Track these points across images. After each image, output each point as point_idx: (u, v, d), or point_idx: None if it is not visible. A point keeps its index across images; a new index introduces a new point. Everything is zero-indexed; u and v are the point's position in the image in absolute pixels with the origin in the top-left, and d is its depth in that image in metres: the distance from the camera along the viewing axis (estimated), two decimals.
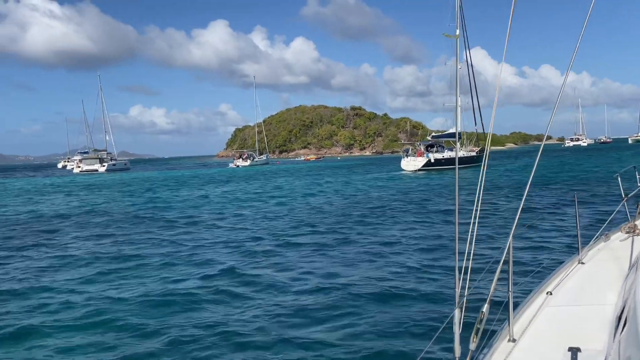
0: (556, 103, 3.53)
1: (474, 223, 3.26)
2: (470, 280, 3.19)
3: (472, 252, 3.15)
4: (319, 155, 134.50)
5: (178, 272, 11.44)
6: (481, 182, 3.39)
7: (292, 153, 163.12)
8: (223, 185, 43.45)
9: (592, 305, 3.89)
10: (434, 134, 53.57)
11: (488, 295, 3.13)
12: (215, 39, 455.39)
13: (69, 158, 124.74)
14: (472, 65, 52.61)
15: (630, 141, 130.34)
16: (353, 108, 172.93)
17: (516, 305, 3.80)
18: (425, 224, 17.15)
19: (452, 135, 52.53)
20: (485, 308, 3.04)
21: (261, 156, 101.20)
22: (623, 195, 6.50)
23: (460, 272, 3.11)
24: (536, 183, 29.11)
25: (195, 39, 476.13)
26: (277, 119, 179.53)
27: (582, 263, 4.95)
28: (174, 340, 7.25)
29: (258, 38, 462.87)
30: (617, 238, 5.81)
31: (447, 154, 51.04)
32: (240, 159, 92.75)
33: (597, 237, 5.73)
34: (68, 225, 20.51)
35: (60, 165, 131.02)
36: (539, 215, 17.40)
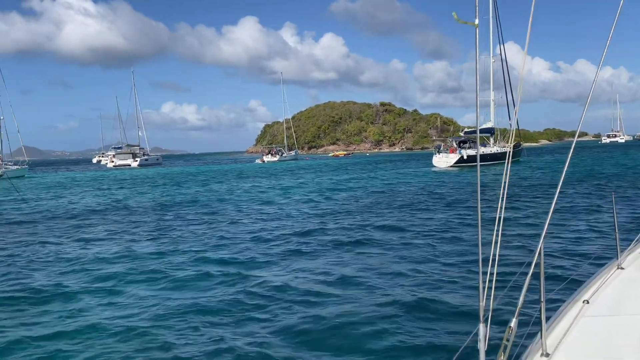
0: (588, 98, 3.20)
1: (499, 222, 3.00)
2: (495, 289, 2.94)
3: (497, 258, 2.91)
4: (348, 152, 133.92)
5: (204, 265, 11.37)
6: (505, 183, 3.14)
7: (321, 149, 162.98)
8: (251, 180, 43.58)
9: (633, 315, 3.59)
10: (466, 129, 52.49)
11: (517, 306, 2.89)
12: (245, 36, 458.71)
13: (103, 153, 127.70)
14: (506, 59, 51.18)
15: None
16: (382, 104, 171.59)
17: (549, 317, 3.50)
18: (453, 225, 16.36)
19: (486, 130, 51.36)
20: (514, 322, 2.80)
21: (290, 152, 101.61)
22: None
23: (484, 281, 2.85)
24: (570, 181, 28.14)
25: (225, 35, 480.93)
26: (306, 115, 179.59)
27: (622, 268, 4.57)
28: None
29: (287, 34, 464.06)
30: None
31: (480, 150, 49.83)
32: (269, 155, 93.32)
33: (637, 240, 5.34)
34: (96, 219, 20.79)
35: (95, 160, 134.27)
36: (573, 215, 16.60)
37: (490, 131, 51.59)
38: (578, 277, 7.25)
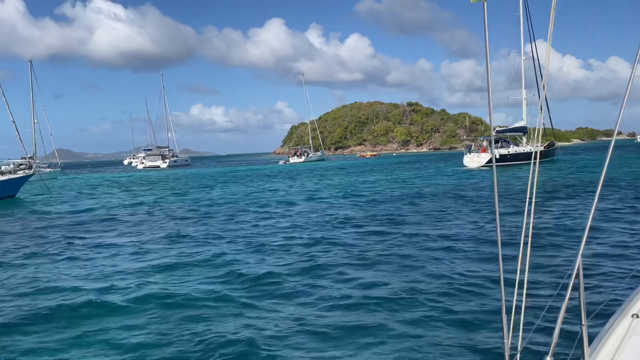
0: (625, 96, 2.74)
1: (525, 243, 2.66)
2: (525, 323, 2.55)
3: (525, 285, 2.54)
4: (375, 152, 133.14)
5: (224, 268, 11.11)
6: (532, 194, 2.92)
7: (348, 150, 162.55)
8: (279, 181, 43.45)
9: None
10: (498, 128, 51.40)
11: (551, 341, 2.43)
12: (271, 38, 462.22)
13: (134, 155, 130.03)
14: (537, 56, 49.82)
15: None
16: (410, 104, 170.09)
17: (592, 337, 3.03)
18: (483, 233, 15.24)
19: (519, 129, 50.12)
20: (551, 353, 2.39)
21: (316, 152, 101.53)
22: None
23: (510, 313, 2.45)
24: (609, 183, 26.76)
25: (252, 38, 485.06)
26: (333, 115, 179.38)
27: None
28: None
29: (313, 35, 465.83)
30: None
31: (512, 150, 48.78)
32: (295, 156, 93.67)
33: None
34: (120, 217, 20.84)
35: (126, 162, 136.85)
36: (612, 222, 14.97)
37: (523, 130, 50.34)
38: (622, 292, 6.45)
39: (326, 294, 8.87)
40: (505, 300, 2.36)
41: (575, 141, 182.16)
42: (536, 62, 49.60)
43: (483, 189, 27.75)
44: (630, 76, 2.54)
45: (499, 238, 2.45)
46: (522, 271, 2.64)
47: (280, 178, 47.89)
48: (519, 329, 2.55)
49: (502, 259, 2.69)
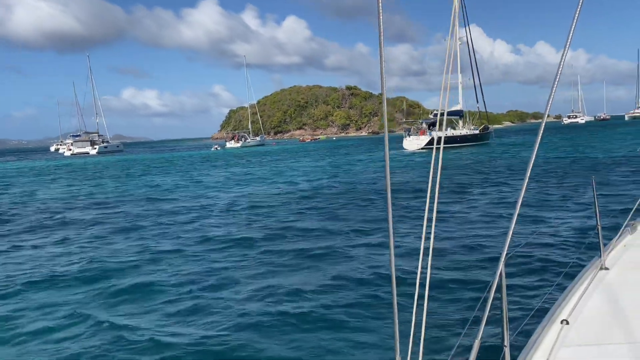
0: (555, 80, 2.25)
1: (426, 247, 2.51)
2: (426, 334, 2.26)
3: (427, 287, 2.33)
4: (315, 136, 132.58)
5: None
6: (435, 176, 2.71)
7: (288, 134, 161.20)
8: (208, 169, 41.75)
9: (621, 344, 2.69)
10: (436, 112, 51.77)
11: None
12: (205, 18, 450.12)
13: (61, 141, 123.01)
14: (472, 41, 50.43)
15: (626, 118, 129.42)
16: (348, 87, 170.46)
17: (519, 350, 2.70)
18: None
19: (455, 113, 50.82)
20: None
21: (256, 137, 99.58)
22: None
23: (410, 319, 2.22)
24: (537, 165, 26.97)
25: (184, 18, 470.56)
26: (272, 99, 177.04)
27: (606, 269, 3.77)
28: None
29: (249, 17, 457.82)
30: None
31: (450, 132, 49.37)
32: (232, 141, 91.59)
33: (621, 232, 4.46)
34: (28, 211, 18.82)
35: (52, 149, 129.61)
36: (543, 208, 13.94)
37: (459, 113, 51.09)
38: (555, 291, 5.91)
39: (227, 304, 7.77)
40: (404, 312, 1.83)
41: (507, 124, 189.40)
42: (470, 47, 50.22)
43: (419, 172, 27.44)
44: (561, 61, 2.09)
45: (391, 235, 1.92)
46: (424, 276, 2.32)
47: (207, 166, 46.15)
48: (420, 345, 2.18)
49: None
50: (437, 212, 2.72)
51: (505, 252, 2.15)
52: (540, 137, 2.04)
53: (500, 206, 15.21)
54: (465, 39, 51.97)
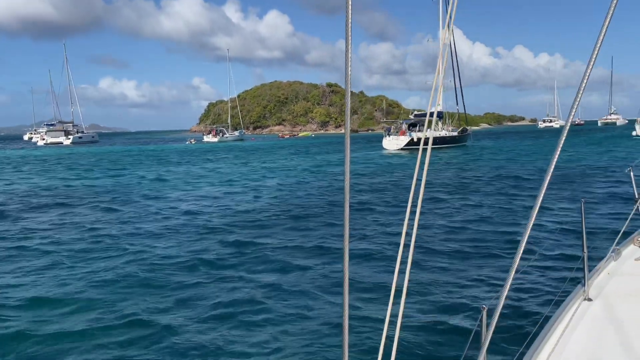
0: (582, 85, 2.10)
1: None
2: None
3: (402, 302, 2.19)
4: (294, 133, 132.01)
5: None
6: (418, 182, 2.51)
7: (267, 129, 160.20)
8: (178, 165, 41.13)
9: None
10: (416, 112, 51.92)
11: None
12: (185, 10, 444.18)
13: (35, 130, 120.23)
14: (454, 43, 50.73)
15: (599, 124, 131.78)
16: (329, 85, 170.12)
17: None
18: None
19: (436, 114, 50.97)
20: None
21: (234, 132, 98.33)
22: (637, 196, 5.03)
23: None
24: (508, 175, 25.10)
25: (165, 9, 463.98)
26: (252, 94, 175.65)
27: (589, 300, 3.58)
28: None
29: (231, 10, 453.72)
30: (632, 255, 4.43)
31: (429, 133, 49.32)
32: (210, 135, 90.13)
33: (607, 258, 4.26)
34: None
35: (26, 137, 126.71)
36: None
37: (439, 115, 51.23)
38: (527, 327, 5.94)
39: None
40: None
41: (484, 125, 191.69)
42: (452, 49, 50.45)
43: (398, 174, 27.43)
44: (589, 64, 1.78)
45: (347, 234, 1.62)
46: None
47: (176, 161, 45.48)
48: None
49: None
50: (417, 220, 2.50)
51: (509, 281, 1.91)
52: (562, 143, 1.82)
53: (483, 221, 14.93)
54: (442, 40, 52.31)
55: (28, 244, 12.24)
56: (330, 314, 7.18)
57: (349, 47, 1.54)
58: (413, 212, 2.54)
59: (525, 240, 1.80)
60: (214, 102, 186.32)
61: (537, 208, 1.78)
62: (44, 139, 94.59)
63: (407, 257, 2.45)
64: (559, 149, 1.79)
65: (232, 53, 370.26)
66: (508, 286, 1.88)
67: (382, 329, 2.26)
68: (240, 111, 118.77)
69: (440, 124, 51.44)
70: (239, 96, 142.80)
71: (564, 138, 1.77)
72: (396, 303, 2.36)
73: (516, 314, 6.99)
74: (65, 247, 11.77)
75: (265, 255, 10.62)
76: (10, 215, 16.58)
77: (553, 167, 1.76)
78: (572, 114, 1.90)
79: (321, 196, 19.78)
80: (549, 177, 1.78)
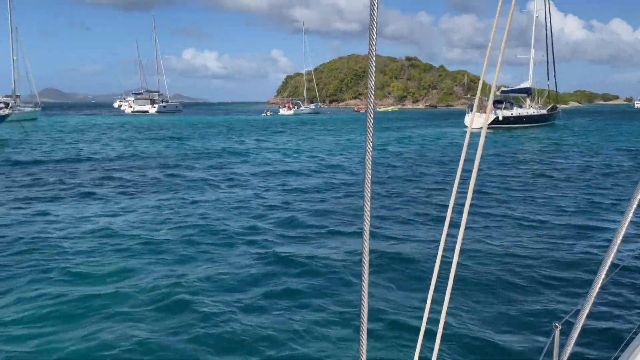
0: None
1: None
2: None
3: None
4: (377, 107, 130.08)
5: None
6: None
7: (343, 103, 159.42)
8: (262, 135, 41.52)
9: None
10: (503, 88, 49.20)
11: None
12: None
13: (124, 98, 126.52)
14: (549, 12, 47.02)
15: None
16: (408, 58, 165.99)
17: None
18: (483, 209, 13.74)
19: (523, 90, 47.99)
20: None
21: (310, 105, 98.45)
22: None
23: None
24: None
25: None
26: (329, 67, 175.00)
27: None
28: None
29: None
30: None
31: (516, 112, 46.65)
32: (285, 108, 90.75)
33: None
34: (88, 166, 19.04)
35: (115, 105, 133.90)
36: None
37: (527, 91, 48.24)
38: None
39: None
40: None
41: (573, 104, 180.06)
42: (547, 21, 47.06)
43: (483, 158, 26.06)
44: None
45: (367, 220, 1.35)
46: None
47: (249, 132, 45.98)
48: None
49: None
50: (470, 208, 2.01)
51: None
52: None
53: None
54: (536, 11, 48.84)
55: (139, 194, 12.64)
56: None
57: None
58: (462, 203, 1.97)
59: (616, 248, 1.36)
60: (292, 74, 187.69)
61: (633, 210, 1.34)
62: (131, 107, 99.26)
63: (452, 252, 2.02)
64: None
65: (310, 25, 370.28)
66: (591, 301, 1.51)
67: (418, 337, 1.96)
68: (317, 84, 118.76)
69: (528, 100, 48.46)
70: (315, 69, 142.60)
71: None
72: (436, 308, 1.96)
73: (593, 333, 5.74)
74: (168, 202, 12.06)
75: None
76: (108, 175, 17.33)
77: None
78: None
79: (408, 168, 19.19)
80: None
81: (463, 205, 1.96)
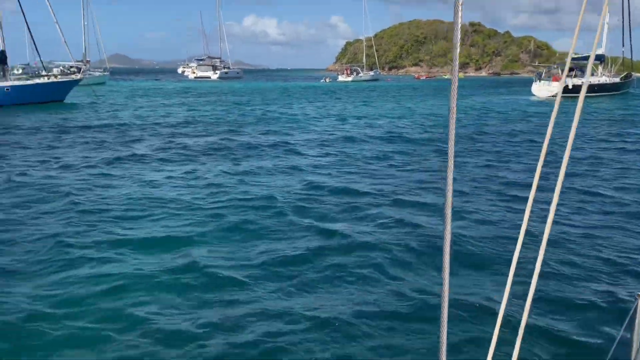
0: None
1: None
2: None
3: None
4: (431, 74, 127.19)
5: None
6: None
7: (402, 70, 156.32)
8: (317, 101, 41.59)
9: None
10: (574, 55, 46.69)
11: None
12: None
13: (187, 64, 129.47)
14: None
15: None
16: (472, 24, 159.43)
17: None
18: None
19: (596, 57, 45.31)
20: None
21: (369, 72, 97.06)
22: None
23: None
24: None
25: None
26: (389, 33, 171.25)
27: None
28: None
29: None
30: None
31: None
32: (344, 74, 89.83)
33: None
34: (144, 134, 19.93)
35: (179, 71, 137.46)
36: None
37: (600, 58, 45.53)
38: None
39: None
40: None
41: None
42: None
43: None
44: None
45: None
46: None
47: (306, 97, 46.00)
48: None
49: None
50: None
51: None
52: None
53: None
54: None
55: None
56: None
57: None
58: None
59: None
60: (351, 41, 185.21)
61: None
62: (194, 73, 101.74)
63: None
64: None
65: None
66: None
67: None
68: (377, 51, 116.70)
69: (600, 68, 45.83)
70: (375, 35, 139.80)
71: None
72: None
73: None
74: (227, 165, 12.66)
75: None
76: (173, 138, 18.18)
77: None
78: None
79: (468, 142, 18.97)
80: None
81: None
